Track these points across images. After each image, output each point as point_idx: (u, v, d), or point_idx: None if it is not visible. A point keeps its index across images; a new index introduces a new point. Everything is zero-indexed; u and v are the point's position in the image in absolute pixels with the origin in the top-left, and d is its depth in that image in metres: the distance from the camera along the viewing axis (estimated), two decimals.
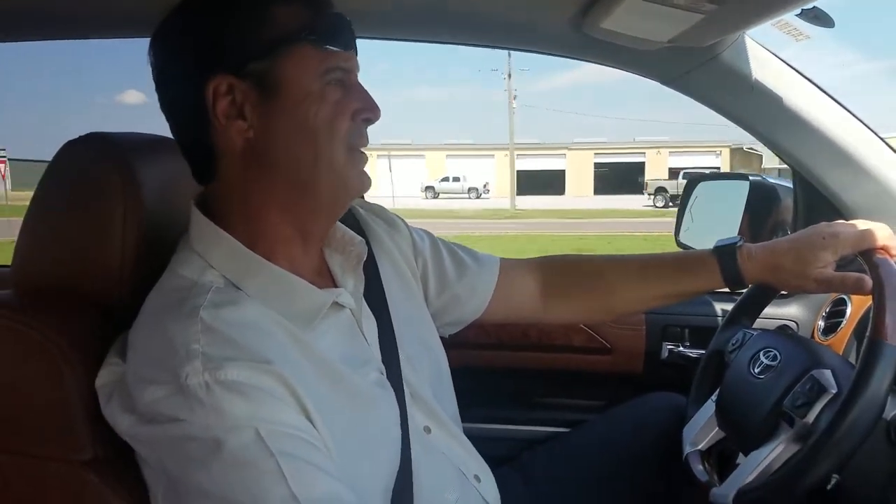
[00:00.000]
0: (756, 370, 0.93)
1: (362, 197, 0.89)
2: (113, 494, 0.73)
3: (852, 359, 1.05)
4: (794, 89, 1.17)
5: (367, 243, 0.89)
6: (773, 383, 0.89)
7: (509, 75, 30.66)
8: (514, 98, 30.47)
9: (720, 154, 37.87)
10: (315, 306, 0.76)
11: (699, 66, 1.16)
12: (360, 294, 0.85)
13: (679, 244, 1.52)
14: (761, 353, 0.95)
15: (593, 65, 1.30)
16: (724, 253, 1.00)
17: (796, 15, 0.94)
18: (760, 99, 1.17)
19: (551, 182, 37.75)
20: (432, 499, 0.82)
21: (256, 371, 0.65)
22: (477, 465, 0.92)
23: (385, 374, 0.82)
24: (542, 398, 1.54)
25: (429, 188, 33.95)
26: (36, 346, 0.72)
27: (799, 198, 1.37)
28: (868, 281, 0.86)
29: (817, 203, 1.29)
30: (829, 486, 0.78)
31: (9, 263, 0.85)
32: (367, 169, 0.81)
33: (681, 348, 1.43)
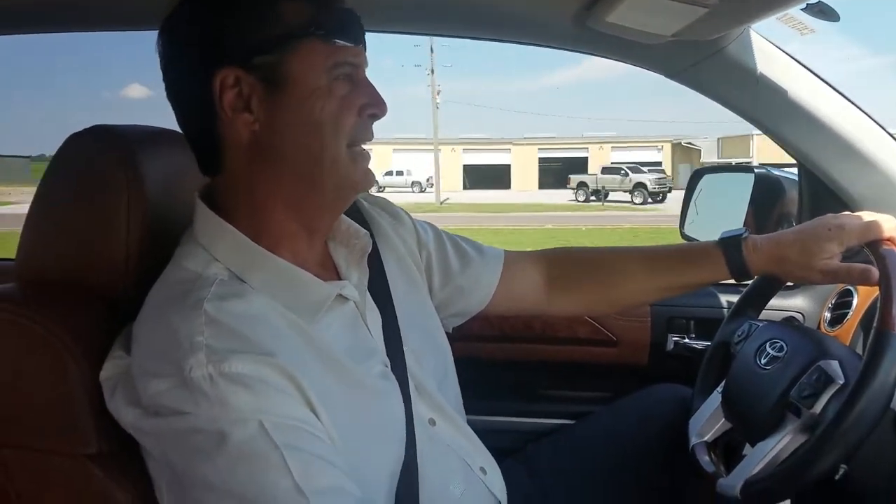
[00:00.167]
0: (762, 361, 0.93)
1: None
2: (117, 488, 0.73)
3: (859, 350, 1.05)
4: (799, 82, 1.17)
5: (372, 236, 0.89)
6: (780, 374, 0.89)
7: (432, 71, 31.01)
8: (438, 94, 30.81)
9: (661, 149, 39.02)
10: (319, 299, 0.76)
11: (704, 60, 1.16)
12: (365, 286, 0.85)
13: (684, 236, 1.52)
14: (767, 345, 0.95)
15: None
16: (730, 244, 1.00)
17: (801, 9, 0.94)
18: (765, 92, 1.17)
19: (498, 177, 38.38)
20: (438, 491, 0.82)
21: (260, 363, 0.65)
22: (482, 457, 0.93)
23: (389, 366, 0.83)
24: (546, 390, 1.55)
25: None
26: (40, 339, 0.72)
27: (804, 190, 1.37)
28: (874, 272, 0.86)
29: (822, 195, 1.29)
30: (836, 477, 0.78)
31: (12, 257, 0.85)
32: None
33: (686, 340, 1.43)
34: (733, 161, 33.73)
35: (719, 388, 1.02)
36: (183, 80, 0.77)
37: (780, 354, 0.92)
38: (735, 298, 1.14)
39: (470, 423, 0.95)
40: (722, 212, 1.51)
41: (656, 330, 1.46)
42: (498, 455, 0.96)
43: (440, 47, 29.82)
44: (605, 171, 28.42)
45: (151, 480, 0.73)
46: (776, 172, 1.43)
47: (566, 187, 29.12)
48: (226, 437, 0.62)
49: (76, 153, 0.81)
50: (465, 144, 40.10)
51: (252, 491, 0.63)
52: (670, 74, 1.27)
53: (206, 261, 0.74)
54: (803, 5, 0.92)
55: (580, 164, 36.27)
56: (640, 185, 26.60)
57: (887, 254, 0.86)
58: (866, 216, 0.93)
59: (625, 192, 26.78)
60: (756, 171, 1.43)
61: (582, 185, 28.46)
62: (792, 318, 1.40)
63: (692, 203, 1.54)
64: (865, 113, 1.18)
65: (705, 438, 1.00)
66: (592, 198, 27.30)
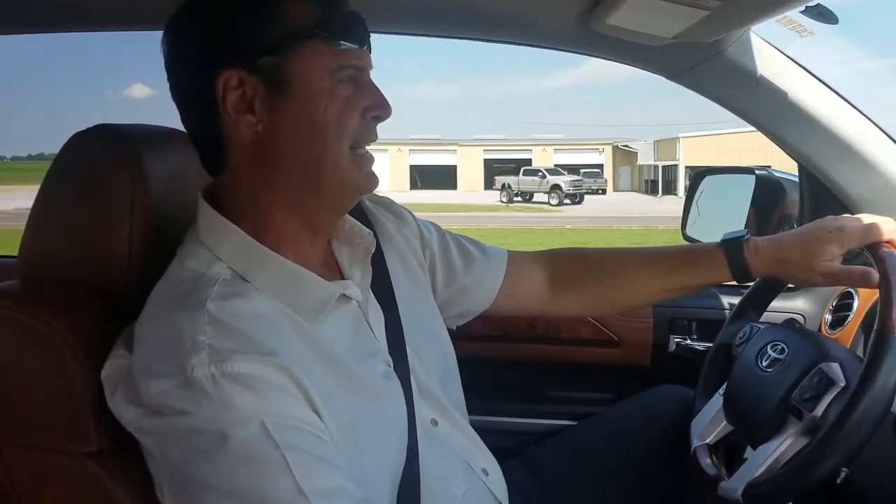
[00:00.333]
0: (764, 363, 0.94)
1: None
2: (117, 487, 0.73)
3: (860, 352, 1.06)
4: (800, 85, 1.17)
5: (375, 236, 0.89)
6: (781, 377, 0.89)
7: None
8: None
9: (603, 151, 40.50)
10: (323, 298, 0.76)
11: (704, 62, 1.17)
12: (368, 286, 0.85)
13: (686, 238, 1.52)
14: (769, 347, 0.95)
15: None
16: (732, 246, 1.00)
17: (800, 11, 0.94)
18: (766, 94, 1.17)
19: (445, 177, 38.91)
20: (439, 492, 0.82)
21: (263, 363, 0.65)
22: (484, 458, 0.93)
23: (392, 366, 0.83)
24: (549, 391, 1.55)
25: None
26: (41, 336, 0.72)
27: (805, 192, 1.37)
28: (874, 274, 0.86)
29: (823, 197, 1.29)
30: (838, 480, 0.78)
31: (15, 254, 0.84)
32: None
33: (688, 341, 1.44)
34: (660, 163, 35.38)
35: (721, 391, 1.02)
36: (186, 81, 0.77)
37: (781, 357, 0.92)
38: (737, 300, 1.15)
39: (472, 423, 0.95)
40: (723, 213, 1.51)
41: (658, 331, 1.46)
42: (500, 456, 0.96)
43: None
44: (526, 172, 29.69)
45: (152, 479, 0.73)
46: (777, 174, 1.43)
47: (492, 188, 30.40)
48: (227, 438, 0.62)
49: (79, 152, 0.81)
50: (412, 145, 40.80)
51: (253, 491, 0.63)
52: (671, 76, 1.27)
53: (209, 260, 0.74)
54: (802, 8, 0.93)
55: (525, 165, 37.31)
56: (556, 187, 27.76)
57: (887, 256, 0.86)
58: (866, 218, 0.93)
59: (544, 193, 27.97)
60: (757, 172, 1.43)
61: (506, 186, 29.79)
62: (793, 320, 1.41)
63: (694, 204, 1.54)
64: (865, 115, 1.19)
65: (707, 441, 1.01)
66: (517, 198, 28.99)
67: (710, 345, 1.14)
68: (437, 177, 38.72)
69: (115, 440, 0.73)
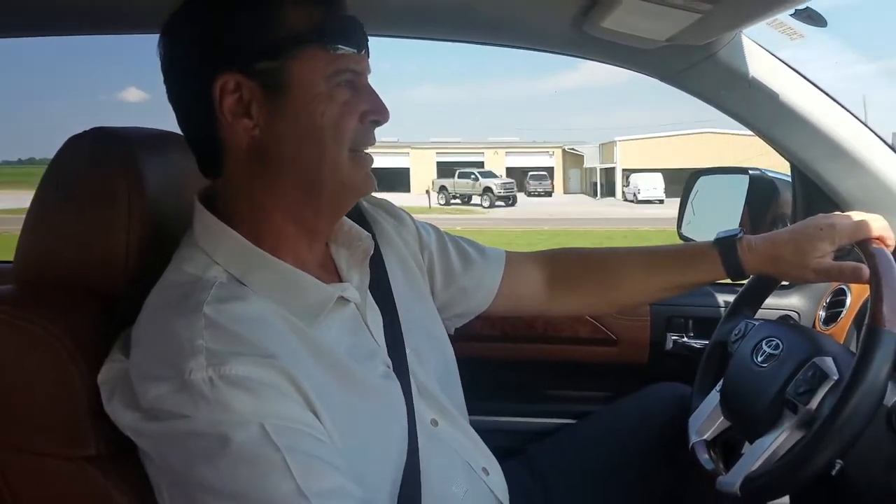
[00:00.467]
0: (759, 359, 0.95)
1: None
2: (116, 491, 0.72)
3: (853, 347, 1.07)
4: (790, 86, 1.19)
5: (374, 238, 0.89)
6: (776, 372, 0.91)
7: None
8: None
9: (553, 154, 41.30)
10: (321, 301, 0.76)
11: (697, 64, 1.18)
12: (366, 288, 0.85)
13: (681, 237, 1.54)
14: (764, 343, 0.96)
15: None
16: (725, 244, 1.01)
17: (790, 15, 0.96)
18: (757, 95, 1.19)
19: (399, 180, 39.11)
20: (440, 492, 0.82)
21: (261, 366, 0.65)
22: (485, 457, 0.93)
23: (391, 367, 0.83)
24: (548, 390, 1.56)
25: None
26: (38, 340, 0.72)
27: (797, 191, 1.39)
28: (865, 270, 0.88)
29: (815, 196, 1.31)
30: (833, 472, 0.79)
31: (11, 259, 0.84)
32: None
33: (685, 339, 1.45)
34: (599, 166, 36.37)
35: (718, 387, 1.04)
36: (183, 84, 0.77)
37: (776, 352, 0.94)
38: (731, 298, 1.16)
39: (472, 423, 0.95)
40: (718, 213, 1.52)
41: (656, 329, 1.48)
42: (500, 455, 0.97)
43: None
44: (461, 175, 30.16)
45: (151, 483, 0.72)
46: (770, 174, 1.45)
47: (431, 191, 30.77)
48: (227, 440, 0.62)
49: (76, 155, 0.81)
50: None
51: (254, 494, 0.63)
52: (664, 78, 1.29)
53: (206, 264, 0.74)
54: (792, 11, 0.94)
55: (479, 169, 37.82)
56: (487, 190, 28.40)
57: (877, 252, 0.87)
58: (857, 216, 0.94)
59: (477, 195, 28.59)
60: (751, 172, 1.44)
61: (443, 188, 30.23)
62: (787, 316, 1.42)
63: (689, 204, 1.55)
64: (854, 116, 1.20)
65: (705, 437, 1.02)
66: (456, 201, 29.78)
67: (707, 342, 1.15)
68: (391, 180, 38.79)
69: (112, 444, 0.72)
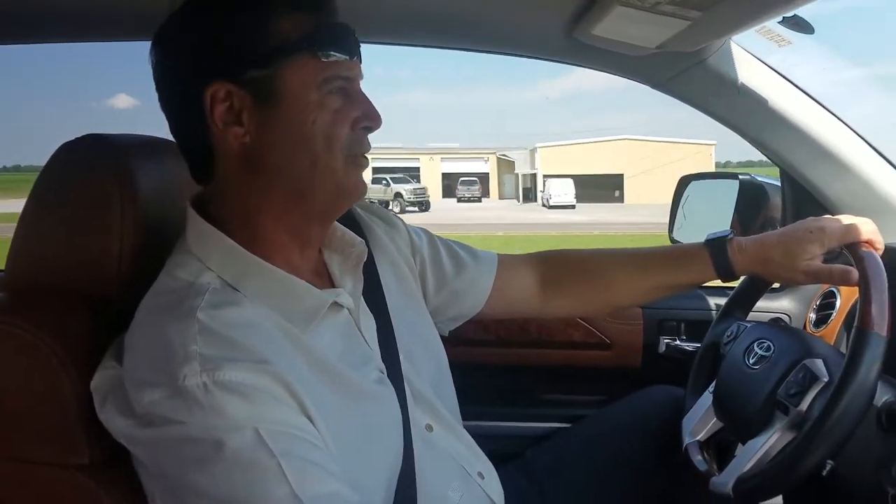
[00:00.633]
0: (751, 361, 0.96)
1: None
2: (108, 499, 0.72)
3: (843, 349, 1.08)
4: (779, 92, 1.20)
5: (367, 244, 0.89)
6: (768, 373, 0.91)
7: None
8: None
9: (488, 160, 42.13)
10: (314, 306, 0.77)
11: (687, 70, 1.20)
12: (359, 294, 0.85)
13: (672, 240, 1.55)
14: (755, 345, 0.97)
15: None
16: (715, 245, 1.02)
17: (778, 22, 0.97)
18: (747, 101, 1.20)
19: None
20: (436, 497, 0.82)
21: (255, 371, 0.65)
22: (480, 462, 0.93)
23: (385, 372, 0.83)
24: (542, 394, 1.56)
25: None
26: (29, 347, 0.71)
27: (787, 195, 1.40)
28: (854, 273, 0.89)
29: (805, 200, 1.33)
30: (823, 472, 0.80)
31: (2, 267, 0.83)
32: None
33: (677, 342, 1.46)
34: (522, 172, 37.20)
35: (710, 388, 1.04)
36: (174, 92, 0.77)
37: (767, 354, 0.95)
38: (723, 300, 1.17)
39: (466, 427, 0.95)
40: (708, 217, 1.54)
41: (648, 332, 1.48)
42: (496, 459, 0.97)
43: None
44: (374, 181, 30.43)
45: (143, 490, 0.72)
46: (760, 179, 1.47)
47: None
48: (221, 446, 0.62)
49: (68, 161, 0.81)
50: None
51: (248, 499, 0.63)
52: (655, 84, 1.30)
53: (199, 270, 0.74)
54: (780, 18, 0.96)
55: (414, 174, 38.06)
56: (398, 195, 28.91)
57: (866, 255, 0.88)
58: (846, 219, 0.95)
59: (390, 200, 28.83)
60: (741, 178, 1.46)
61: None
62: (778, 319, 1.43)
63: (680, 208, 1.57)
64: (842, 121, 1.22)
65: (698, 438, 1.02)
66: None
67: (699, 345, 1.16)
68: None
69: (105, 452, 0.72)
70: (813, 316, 1.32)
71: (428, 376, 0.91)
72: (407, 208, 27.72)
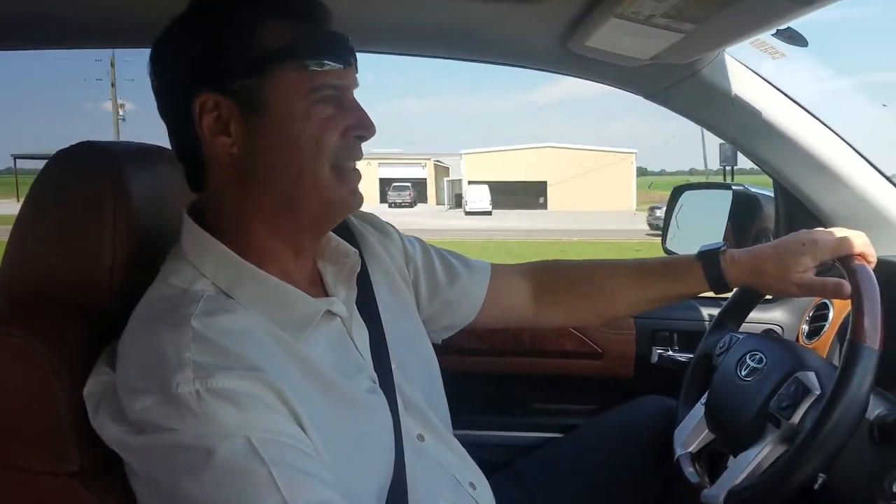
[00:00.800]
0: (743, 373, 0.96)
1: None
2: None
3: (836, 361, 1.08)
4: (772, 103, 1.21)
5: (361, 254, 0.89)
6: (760, 386, 0.92)
7: (113, 84, 30.86)
8: (122, 107, 31.33)
9: (425, 166, 42.45)
10: (308, 314, 0.77)
11: (681, 82, 1.20)
12: (352, 303, 0.85)
13: (666, 251, 1.56)
14: (747, 357, 0.97)
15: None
16: (708, 257, 1.02)
17: (772, 34, 0.97)
18: (740, 112, 1.21)
19: None
20: None
21: (248, 379, 0.65)
22: (471, 472, 0.93)
23: (377, 382, 0.83)
24: (534, 403, 1.56)
25: None
26: (22, 355, 0.71)
27: (780, 206, 1.41)
28: (846, 286, 0.89)
29: (798, 211, 1.33)
30: (815, 486, 0.80)
31: None
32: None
33: (670, 352, 1.46)
34: (447, 178, 37.71)
35: (702, 400, 1.04)
36: (168, 101, 0.78)
37: (759, 366, 0.95)
38: (716, 311, 1.17)
39: (458, 437, 0.95)
40: (702, 227, 1.54)
41: (641, 342, 1.48)
42: (487, 469, 0.97)
43: (122, 62, 29.87)
44: None
45: (135, 497, 0.72)
46: (753, 190, 1.47)
47: None
48: (213, 453, 0.62)
49: (62, 169, 0.81)
50: None
51: None
52: (648, 95, 1.31)
53: (193, 276, 0.74)
54: (773, 31, 0.96)
55: None
56: None
57: (858, 269, 0.88)
58: (839, 232, 0.96)
59: None
60: (734, 188, 1.47)
61: None
62: (771, 330, 1.44)
63: (673, 218, 1.58)
64: (835, 132, 1.23)
65: (690, 449, 1.02)
66: None
67: (691, 356, 1.16)
68: None
69: (98, 458, 0.71)
70: (806, 327, 1.32)
71: (420, 386, 0.91)
72: None
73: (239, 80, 0.73)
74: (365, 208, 0.90)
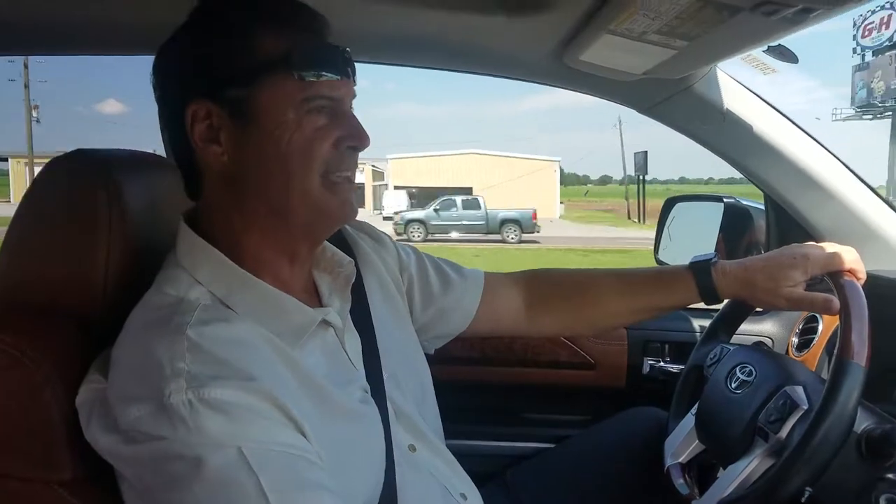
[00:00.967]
0: (733, 385, 0.96)
1: None
2: None
3: (825, 374, 1.09)
4: (763, 118, 1.22)
5: (356, 264, 0.89)
6: (749, 399, 0.92)
7: (26, 86, 31.38)
8: (36, 108, 31.68)
9: (363, 171, 42.21)
10: (303, 323, 0.77)
11: (673, 96, 1.22)
12: (347, 313, 0.85)
13: (657, 261, 1.56)
14: (738, 369, 0.98)
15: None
16: (699, 268, 1.03)
17: (763, 51, 0.99)
18: (731, 127, 1.22)
19: None
20: None
21: (242, 389, 0.65)
22: (462, 482, 0.93)
23: (369, 392, 0.83)
24: (527, 413, 1.56)
25: None
26: (14, 364, 0.70)
27: (770, 220, 1.42)
28: (835, 302, 0.89)
29: (788, 225, 1.34)
30: (803, 500, 0.80)
31: None
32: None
33: (661, 363, 1.46)
34: (373, 183, 37.69)
35: (693, 410, 1.05)
36: (164, 108, 0.78)
37: (749, 379, 0.95)
38: (707, 323, 1.18)
39: (449, 447, 0.95)
40: (693, 239, 1.55)
41: (633, 353, 1.49)
42: (478, 480, 0.97)
43: (34, 63, 30.39)
44: None
45: None
46: (744, 202, 1.48)
47: None
48: (203, 464, 0.62)
49: (56, 177, 0.81)
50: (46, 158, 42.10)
51: None
52: (641, 109, 1.32)
53: (188, 284, 0.74)
54: (765, 47, 0.97)
55: None
56: None
57: (847, 284, 0.89)
58: (829, 247, 0.96)
59: None
60: (725, 200, 1.48)
61: None
62: (761, 343, 1.45)
63: (665, 230, 1.58)
64: (824, 147, 1.24)
65: (680, 460, 1.03)
66: None
67: (683, 367, 1.17)
68: None
69: (89, 467, 0.71)
70: (795, 340, 1.33)
71: (412, 396, 0.91)
72: None
73: (231, 89, 0.73)
74: None
